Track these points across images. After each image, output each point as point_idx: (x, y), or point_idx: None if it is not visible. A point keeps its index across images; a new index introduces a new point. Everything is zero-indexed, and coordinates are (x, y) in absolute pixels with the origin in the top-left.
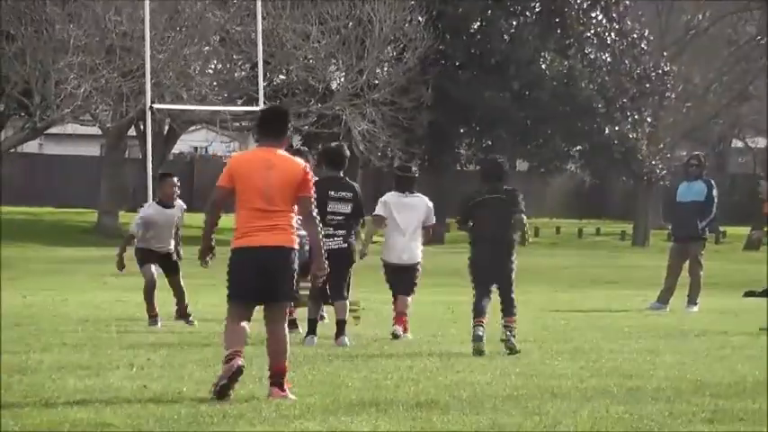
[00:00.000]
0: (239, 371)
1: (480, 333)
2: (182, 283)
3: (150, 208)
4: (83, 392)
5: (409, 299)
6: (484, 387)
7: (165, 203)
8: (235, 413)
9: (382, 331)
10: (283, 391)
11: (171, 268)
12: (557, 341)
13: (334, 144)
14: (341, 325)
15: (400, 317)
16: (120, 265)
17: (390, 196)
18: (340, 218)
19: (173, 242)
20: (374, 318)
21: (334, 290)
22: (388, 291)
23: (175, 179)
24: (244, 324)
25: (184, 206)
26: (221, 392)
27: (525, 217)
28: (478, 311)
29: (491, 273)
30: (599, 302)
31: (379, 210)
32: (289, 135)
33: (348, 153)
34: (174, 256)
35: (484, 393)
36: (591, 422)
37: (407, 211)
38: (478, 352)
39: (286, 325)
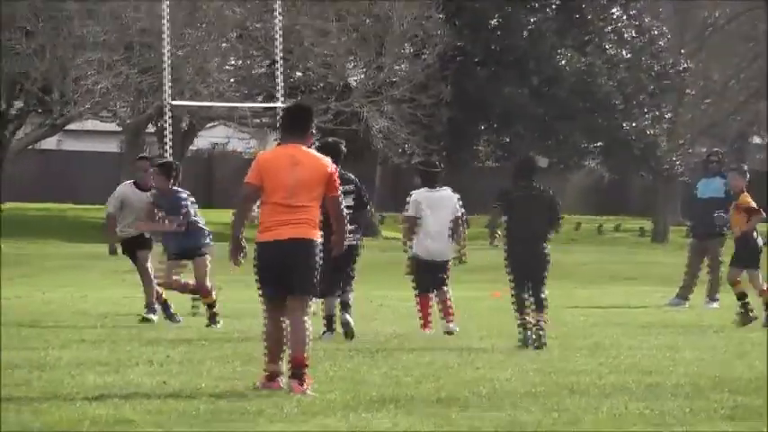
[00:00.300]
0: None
1: (529, 334)
2: (149, 267)
3: (126, 186)
4: (102, 389)
5: (449, 291)
6: (503, 383)
7: (141, 186)
8: (254, 409)
9: (401, 327)
10: (302, 385)
11: (141, 244)
12: (576, 337)
13: (330, 139)
14: (328, 321)
15: (447, 311)
16: (112, 248)
17: (419, 193)
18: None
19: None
20: (392, 314)
21: (326, 284)
22: (405, 288)
23: (149, 164)
24: (280, 320)
25: (191, 198)
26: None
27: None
28: (520, 306)
29: (526, 269)
30: (618, 299)
31: (411, 210)
32: (313, 132)
33: (344, 148)
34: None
35: (503, 390)
36: (610, 419)
37: (439, 206)
38: (526, 346)
39: (307, 318)
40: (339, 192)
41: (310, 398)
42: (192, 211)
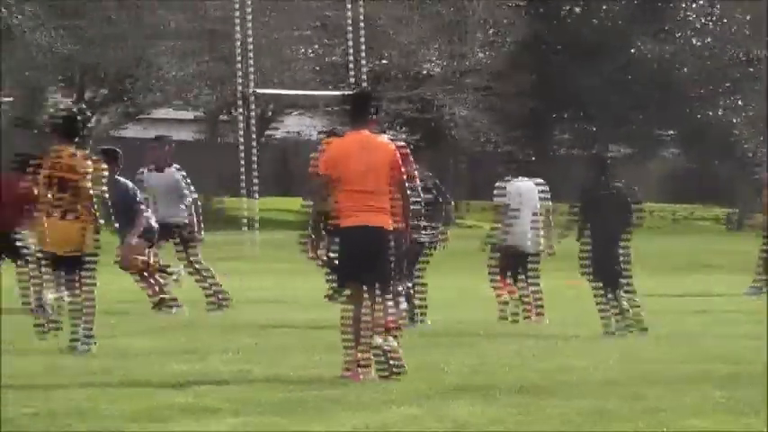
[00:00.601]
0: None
1: (614, 322)
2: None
3: (143, 173)
4: (182, 376)
5: (536, 284)
6: (585, 372)
7: (158, 167)
8: (334, 398)
9: (481, 315)
10: (359, 371)
11: (185, 240)
12: (656, 326)
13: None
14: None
15: (531, 304)
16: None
17: (508, 183)
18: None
19: (180, 212)
20: (471, 302)
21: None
22: (483, 275)
23: (165, 145)
24: (358, 308)
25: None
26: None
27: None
28: (602, 300)
29: (606, 272)
30: (697, 287)
31: (500, 198)
32: (376, 118)
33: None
34: (187, 231)
35: (585, 378)
36: (692, 407)
37: (527, 196)
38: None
39: (389, 304)
40: (402, 173)
41: (393, 387)
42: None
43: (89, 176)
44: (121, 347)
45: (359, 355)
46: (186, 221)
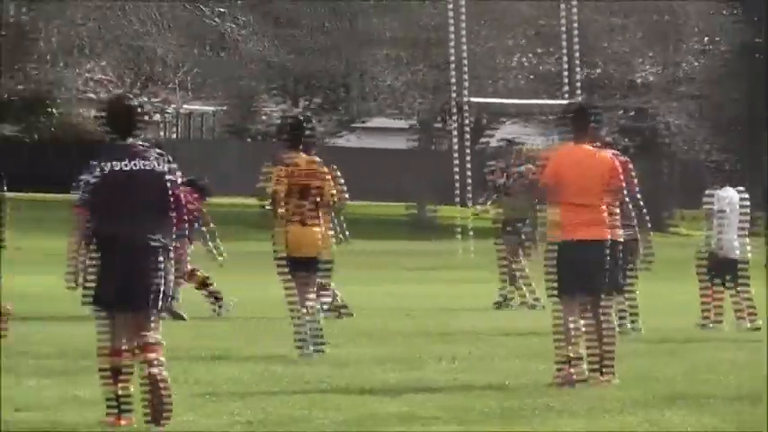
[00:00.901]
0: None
1: None
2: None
3: None
4: (396, 385)
5: (747, 291)
6: None
7: None
8: (549, 405)
9: (694, 323)
10: (603, 377)
11: None
12: None
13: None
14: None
15: (743, 310)
16: None
17: (717, 191)
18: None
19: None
20: (683, 310)
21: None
22: (693, 283)
23: None
24: (578, 320)
25: None
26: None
27: None
28: None
29: None
30: None
31: (709, 205)
32: (597, 131)
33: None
34: None
35: None
36: None
37: (734, 205)
38: None
39: (611, 313)
40: (620, 183)
41: (607, 395)
42: None
43: (329, 182)
44: (335, 356)
45: (571, 365)
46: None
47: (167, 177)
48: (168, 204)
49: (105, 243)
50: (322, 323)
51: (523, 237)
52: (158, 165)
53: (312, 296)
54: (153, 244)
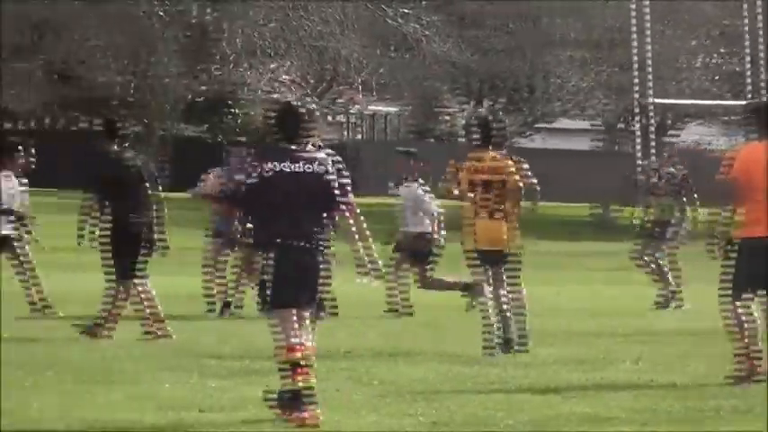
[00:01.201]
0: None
1: None
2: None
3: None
4: (582, 385)
5: None
6: None
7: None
8: (733, 407)
9: None
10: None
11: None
12: None
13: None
14: None
15: None
16: None
17: None
18: None
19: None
20: None
21: None
22: None
23: (411, 159)
24: (755, 317)
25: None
26: None
27: None
28: None
29: None
30: None
31: None
32: None
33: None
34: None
35: None
36: None
37: None
38: None
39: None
40: None
41: None
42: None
43: (515, 175)
44: (519, 356)
45: (745, 364)
46: (426, 231)
47: (328, 178)
48: (330, 205)
49: (272, 244)
50: (524, 319)
51: (668, 237)
52: (319, 166)
53: (503, 292)
54: (314, 245)
